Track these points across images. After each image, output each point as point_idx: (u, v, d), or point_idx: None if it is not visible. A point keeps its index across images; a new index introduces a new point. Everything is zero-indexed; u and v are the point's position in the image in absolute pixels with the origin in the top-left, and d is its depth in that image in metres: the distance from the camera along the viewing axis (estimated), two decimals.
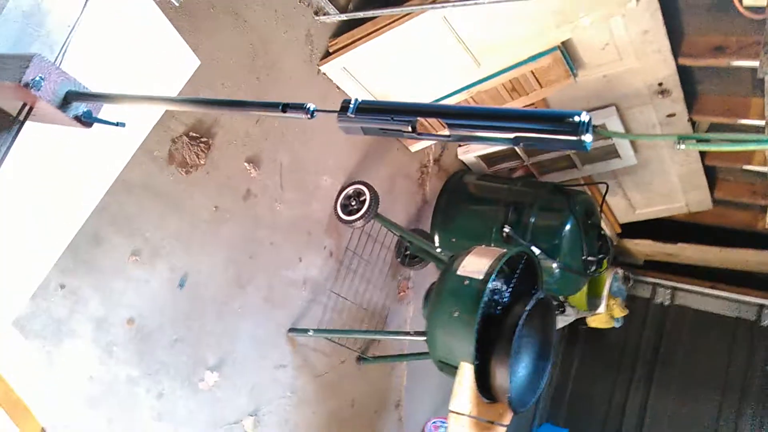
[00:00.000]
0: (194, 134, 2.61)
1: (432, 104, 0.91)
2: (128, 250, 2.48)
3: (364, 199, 3.28)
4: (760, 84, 3.24)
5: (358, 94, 3.35)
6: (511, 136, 0.78)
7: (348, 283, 3.53)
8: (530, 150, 4.25)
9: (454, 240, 4.01)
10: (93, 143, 1.46)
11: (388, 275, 3.84)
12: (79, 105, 1.16)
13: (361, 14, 2.92)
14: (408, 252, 3.89)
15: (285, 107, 0.95)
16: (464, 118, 0.84)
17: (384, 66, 3.19)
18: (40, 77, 1.07)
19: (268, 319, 3.14)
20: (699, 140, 3.32)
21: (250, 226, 2.96)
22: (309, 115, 0.93)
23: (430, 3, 2.74)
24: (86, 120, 1.17)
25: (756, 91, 3.54)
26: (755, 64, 3.13)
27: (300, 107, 0.92)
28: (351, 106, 0.91)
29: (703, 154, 4.26)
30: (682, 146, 3.25)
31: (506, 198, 3.98)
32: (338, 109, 0.92)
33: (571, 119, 0.75)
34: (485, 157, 4.31)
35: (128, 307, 2.52)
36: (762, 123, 3.41)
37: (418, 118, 0.88)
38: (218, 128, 2.72)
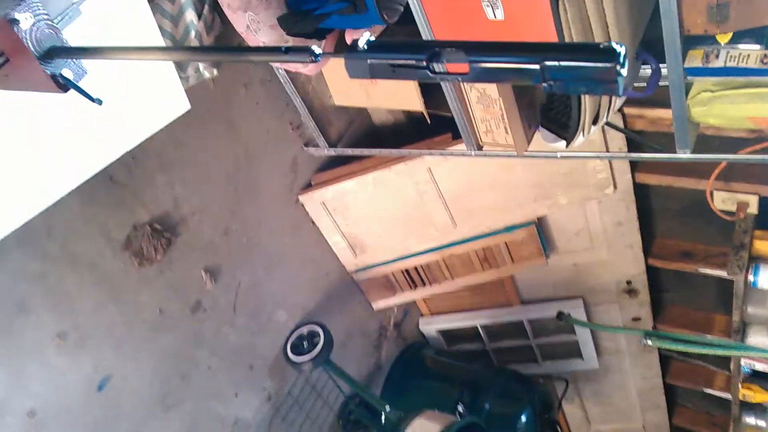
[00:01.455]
0: (158, 226, 2.50)
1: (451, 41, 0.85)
2: (54, 331, 2.23)
3: (317, 342, 3.09)
4: (725, 299, 3.29)
5: (332, 233, 3.30)
6: (537, 66, 0.71)
7: None
8: (492, 334, 4.16)
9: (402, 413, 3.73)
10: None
11: None
12: (60, 64, 1.08)
13: (350, 151, 2.97)
14: (352, 417, 3.59)
15: (288, 49, 0.88)
16: (486, 51, 0.77)
17: (362, 209, 3.19)
18: (30, 17, 1.01)
19: None
20: (664, 337, 3.27)
21: (191, 342, 2.72)
22: (313, 58, 0.85)
23: (427, 149, 2.81)
24: (64, 83, 1.09)
25: (719, 307, 3.57)
26: (722, 273, 3.20)
27: (304, 50, 0.84)
28: (363, 41, 0.84)
29: (664, 370, 4.19)
30: (649, 342, 3.19)
31: (463, 378, 3.81)
32: (347, 50, 0.85)
33: (606, 45, 0.68)
34: (446, 333, 4.19)
35: (34, 396, 2.21)
36: (726, 341, 3.40)
37: (439, 54, 0.80)
38: (184, 228, 2.61)
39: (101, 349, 2.40)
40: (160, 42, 1.53)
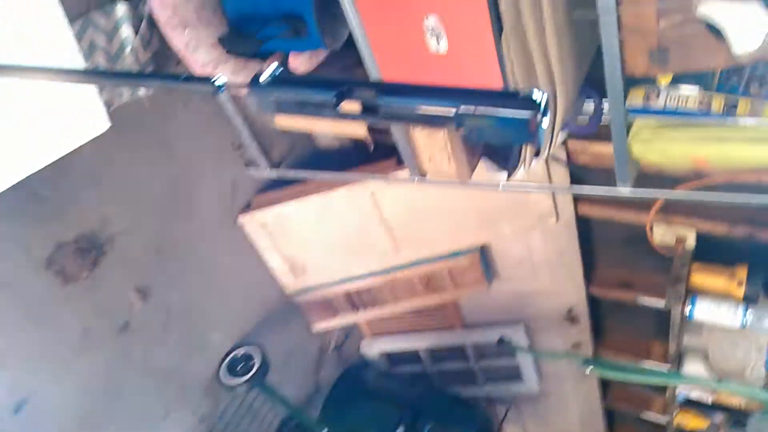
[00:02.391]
0: (83, 245, 2.38)
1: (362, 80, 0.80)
2: None
3: (253, 364, 3.00)
4: (663, 327, 3.33)
5: (271, 256, 3.22)
6: (452, 112, 0.66)
7: None
8: (434, 356, 4.12)
9: None
10: None
11: None
12: None
13: (291, 173, 2.90)
14: None
15: (188, 78, 0.81)
16: (398, 93, 0.71)
17: (304, 232, 3.12)
18: None
19: None
20: (604, 366, 3.29)
21: (119, 363, 2.61)
22: (216, 89, 0.79)
23: (370, 174, 2.75)
24: None
25: (658, 335, 3.61)
26: (660, 304, 3.23)
27: (205, 80, 0.78)
28: (268, 74, 0.77)
29: (604, 394, 4.22)
30: (589, 369, 3.21)
31: (404, 401, 3.76)
32: (250, 82, 0.78)
33: (526, 94, 0.64)
34: (388, 355, 4.13)
35: None
36: (664, 368, 3.44)
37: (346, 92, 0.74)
38: (111, 246, 2.49)
39: (18, 369, 2.28)
40: (79, 59, 1.44)
